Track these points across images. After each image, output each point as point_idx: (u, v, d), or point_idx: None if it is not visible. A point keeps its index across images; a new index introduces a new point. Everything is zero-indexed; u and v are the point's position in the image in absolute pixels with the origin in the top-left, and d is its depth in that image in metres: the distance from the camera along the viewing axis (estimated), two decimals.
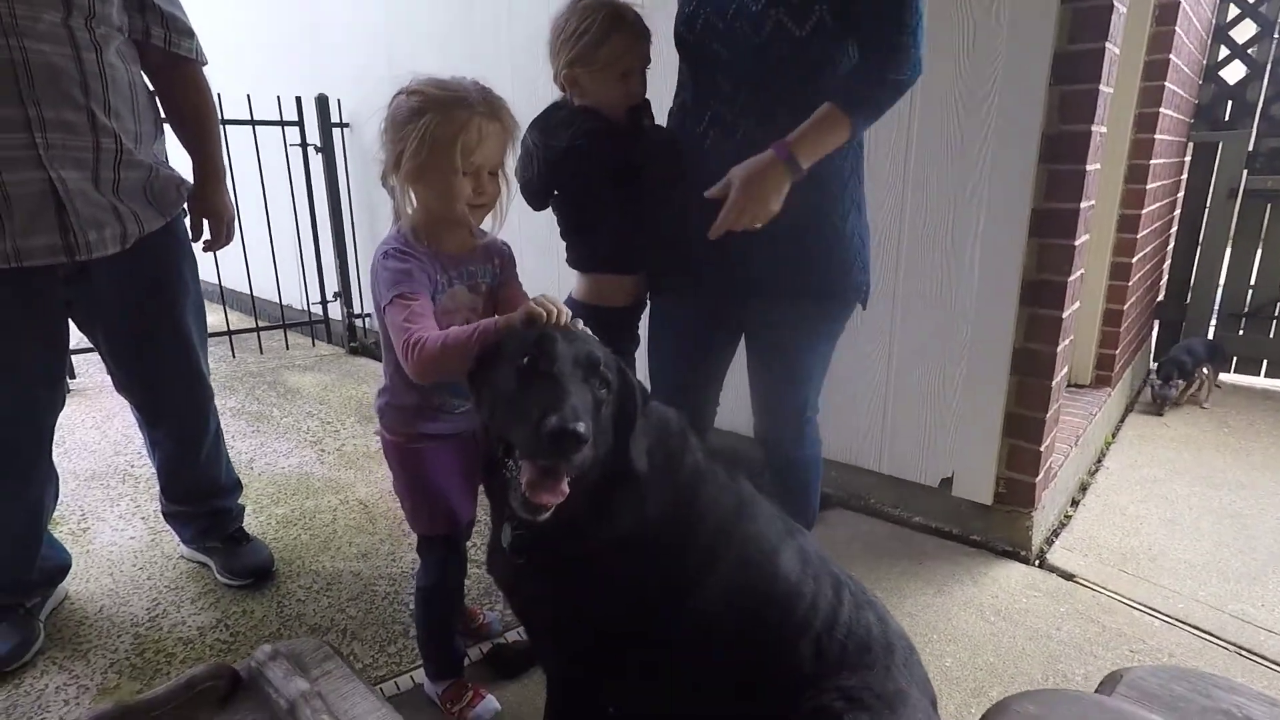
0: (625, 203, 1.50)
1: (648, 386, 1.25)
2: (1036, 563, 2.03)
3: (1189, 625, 1.76)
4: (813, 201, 1.39)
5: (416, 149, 1.15)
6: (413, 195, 1.23)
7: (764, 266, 1.46)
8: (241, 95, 3.55)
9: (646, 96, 1.55)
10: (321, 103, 3.68)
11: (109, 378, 1.76)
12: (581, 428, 0.86)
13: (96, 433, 2.88)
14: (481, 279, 1.30)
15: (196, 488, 1.90)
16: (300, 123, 3.75)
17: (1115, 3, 1.67)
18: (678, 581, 1.06)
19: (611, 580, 1.06)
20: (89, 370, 3.55)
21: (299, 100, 3.72)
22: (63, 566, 1.76)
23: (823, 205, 1.42)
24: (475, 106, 1.18)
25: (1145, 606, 1.83)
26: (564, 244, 1.61)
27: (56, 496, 1.72)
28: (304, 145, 3.78)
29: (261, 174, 3.72)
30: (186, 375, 1.76)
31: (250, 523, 2.10)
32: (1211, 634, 1.72)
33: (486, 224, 1.32)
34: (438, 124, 1.15)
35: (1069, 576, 1.96)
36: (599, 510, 1.04)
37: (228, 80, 3.72)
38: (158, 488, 1.93)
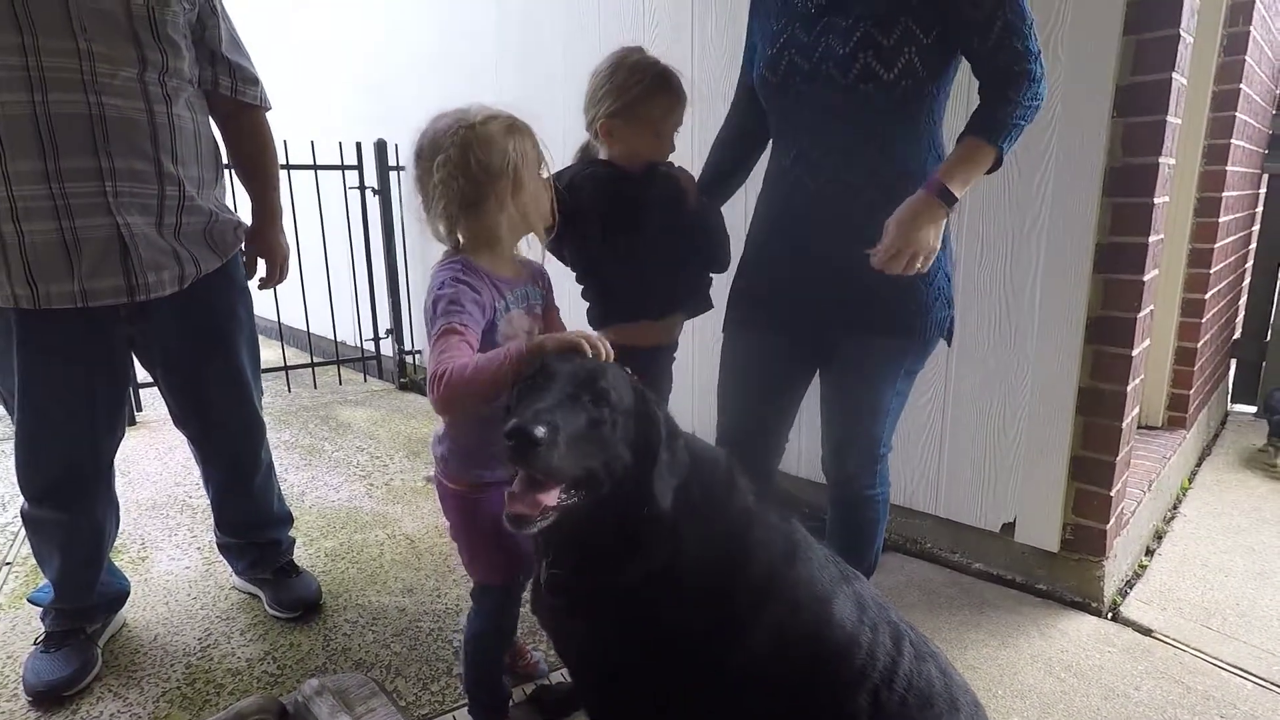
0: (630, 250, 1.53)
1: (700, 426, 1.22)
2: (1109, 615, 1.90)
3: None
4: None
5: (466, 177, 1.18)
6: (459, 227, 1.25)
7: (844, 300, 1.44)
8: (306, 142, 3.72)
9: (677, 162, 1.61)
10: (380, 148, 3.83)
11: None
12: (539, 431, 0.85)
13: (158, 464, 2.98)
14: (535, 301, 1.32)
15: (248, 520, 1.93)
16: (359, 167, 3.90)
17: (1182, 33, 1.62)
18: (725, 626, 1.01)
19: (654, 623, 1.03)
20: (154, 404, 3.69)
21: (359, 146, 3.88)
22: (122, 594, 1.81)
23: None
24: (521, 133, 1.23)
25: (1234, 667, 1.69)
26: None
27: (118, 525, 1.77)
28: (362, 188, 3.93)
29: (321, 216, 3.88)
30: (239, 410, 1.80)
31: (300, 554, 2.13)
32: None
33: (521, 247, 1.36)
34: (477, 156, 1.18)
35: (1146, 631, 1.83)
36: (628, 546, 1.01)
37: (295, 128, 3.93)
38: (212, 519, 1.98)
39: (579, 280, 1.65)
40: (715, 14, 2.33)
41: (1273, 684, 1.63)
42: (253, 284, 1.84)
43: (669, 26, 2.50)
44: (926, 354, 1.51)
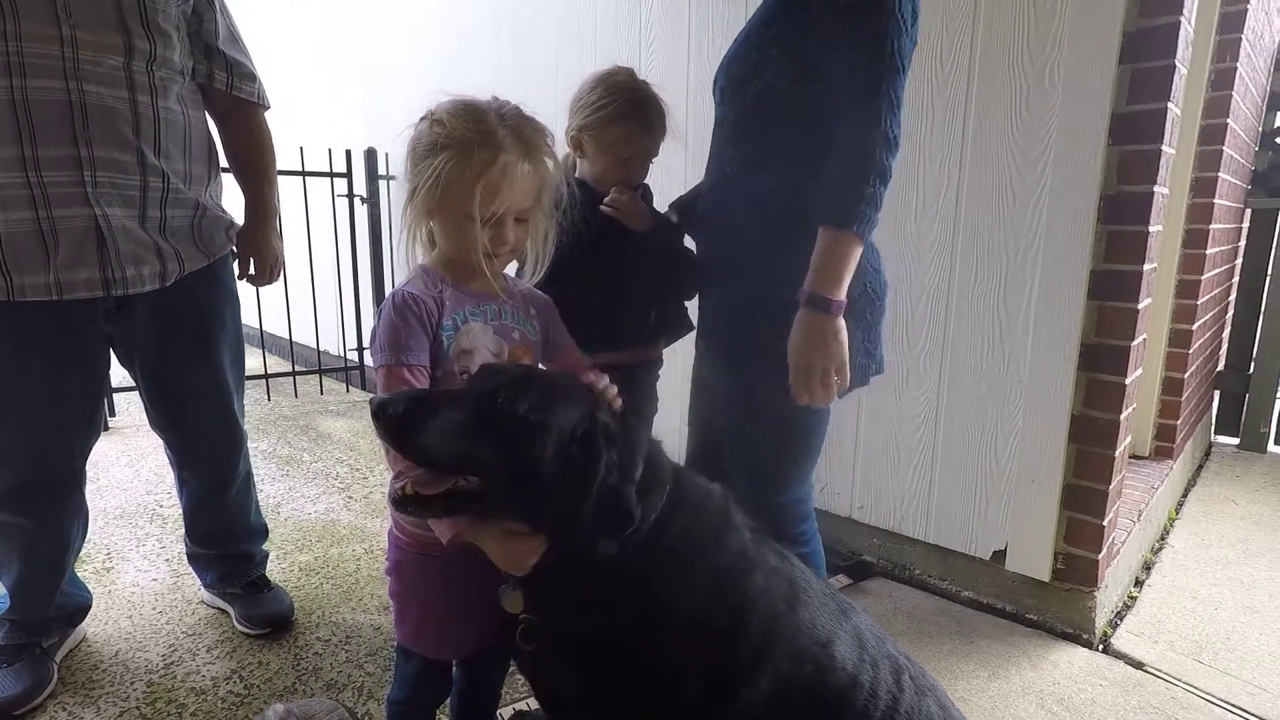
0: (600, 273, 1.47)
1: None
2: (1100, 648, 1.87)
3: None
4: (771, 261, 1.27)
5: (431, 189, 1.05)
6: (430, 230, 1.15)
7: (710, 315, 1.42)
8: (295, 147, 3.68)
9: (645, 181, 1.55)
10: (370, 156, 3.80)
11: (145, 416, 1.76)
12: (376, 403, 0.88)
13: (129, 470, 2.89)
14: (513, 324, 1.17)
15: (221, 530, 1.86)
16: (349, 174, 3.86)
17: (1178, 64, 1.63)
18: (724, 678, 0.95)
19: (650, 675, 0.97)
20: (129, 409, 3.60)
21: (348, 153, 3.84)
22: (83, 606, 1.73)
23: (780, 265, 1.25)
24: (502, 145, 1.05)
25: (1227, 703, 1.66)
26: None
27: (85, 533, 1.69)
28: (351, 196, 3.89)
29: (308, 223, 3.83)
30: (218, 415, 1.74)
31: (273, 568, 2.06)
32: None
33: (516, 270, 1.27)
34: (454, 165, 1.03)
35: (1138, 665, 1.80)
36: (593, 593, 0.97)
37: (282, 133, 3.89)
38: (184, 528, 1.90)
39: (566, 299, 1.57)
40: (711, 27, 2.33)
41: None
42: (240, 281, 1.79)
43: (664, 40, 2.50)
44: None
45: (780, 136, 1.27)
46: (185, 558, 1.96)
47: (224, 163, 1.74)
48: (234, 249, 1.73)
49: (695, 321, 1.65)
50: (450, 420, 0.90)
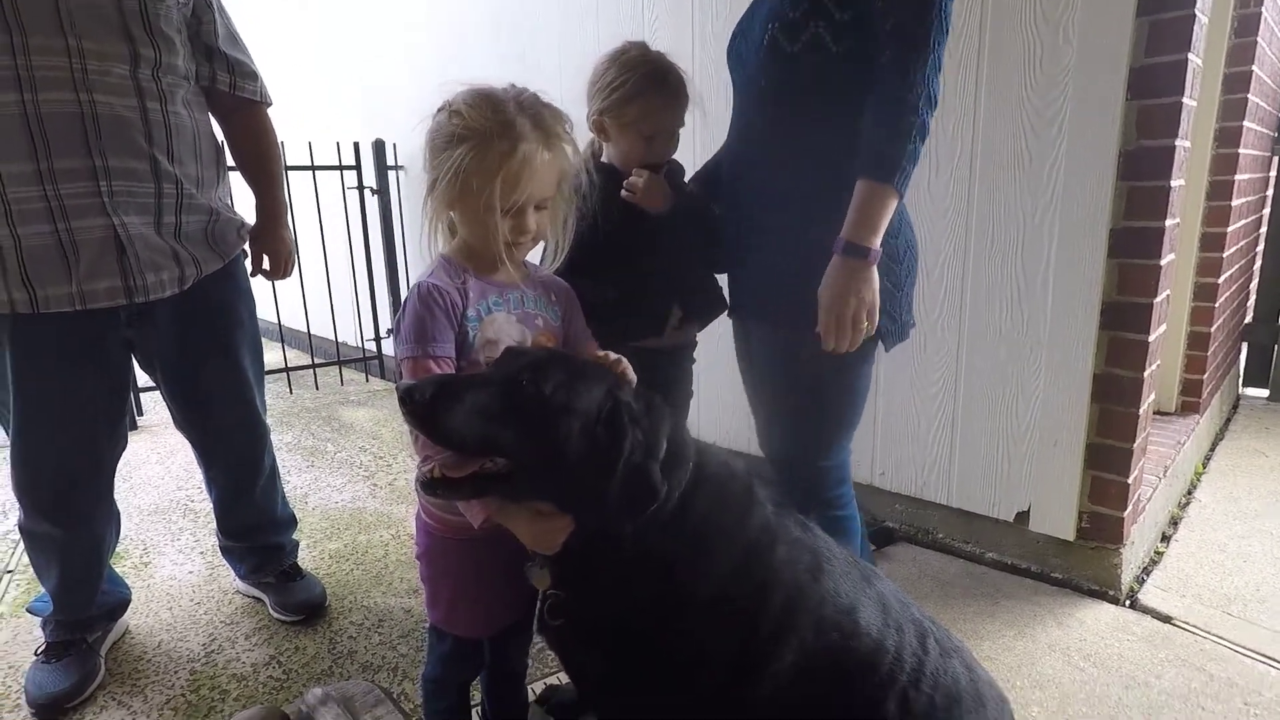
0: (629, 258, 1.45)
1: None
2: (1127, 603, 1.86)
3: None
4: (811, 224, 1.29)
5: (452, 181, 1.05)
6: (452, 220, 1.14)
7: (753, 286, 1.41)
8: (304, 142, 3.69)
9: (674, 157, 1.51)
10: (378, 147, 3.79)
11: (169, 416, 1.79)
12: (402, 389, 0.90)
13: (160, 468, 2.95)
14: (536, 311, 1.17)
15: (250, 524, 1.90)
16: (358, 167, 3.87)
17: (1197, 13, 1.58)
18: (751, 653, 0.97)
19: (677, 650, 0.98)
20: (155, 408, 3.66)
21: (356, 145, 3.85)
22: (123, 601, 1.78)
23: (823, 228, 1.26)
24: (522, 135, 1.05)
25: (1257, 653, 1.65)
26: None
27: (118, 533, 1.74)
28: (361, 188, 3.90)
29: (320, 217, 3.85)
30: (241, 413, 1.77)
31: (304, 557, 2.10)
32: None
33: (536, 258, 1.27)
34: (473, 157, 1.03)
35: (1166, 619, 1.79)
36: (618, 570, 0.99)
37: (291, 128, 3.89)
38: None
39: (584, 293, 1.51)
40: (715, 8, 2.29)
41: None
42: (255, 277, 1.81)
43: (668, 24, 2.46)
44: (858, 355, 1.31)
45: (826, 93, 1.27)
46: (218, 551, 2.01)
47: (229, 161, 1.75)
48: (245, 248, 1.74)
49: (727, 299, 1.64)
50: (476, 403, 0.91)
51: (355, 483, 2.78)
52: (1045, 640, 1.72)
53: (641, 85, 1.40)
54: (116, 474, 1.67)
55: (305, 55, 4.40)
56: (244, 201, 1.78)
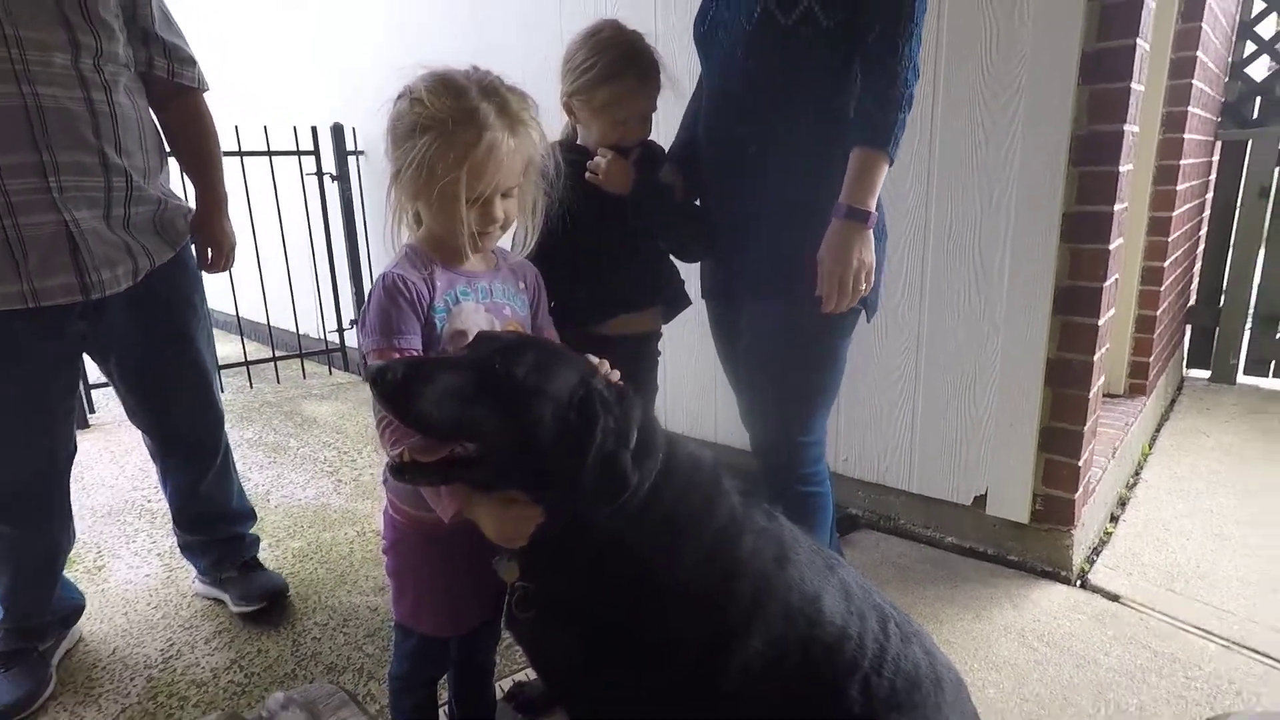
0: (598, 241, 1.44)
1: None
2: (1079, 583, 1.93)
3: (1247, 649, 1.65)
4: (805, 197, 1.35)
5: (416, 171, 1.03)
6: (417, 210, 1.12)
7: (748, 263, 1.44)
8: (259, 126, 3.58)
9: (650, 138, 1.50)
10: (337, 132, 3.70)
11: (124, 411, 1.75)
12: (372, 373, 0.89)
13: (114, 467, 2.87)
14: (504, 301, 1.16)
15: (209, 513, 1.87)
16: (316, 152, 3.77)
17: None
18: (716, 641, 0.98)
19: (646, 639, 0.99)
20: (108, 404, 3.55)
21: (315, 130, 3.74)
22: (77, 608, 1.74)
23: (817, 200, 1.34)
24: (486, 123, 1.03)
25: (1198, 629, 1.73)
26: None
27: (72, 537, 1.69)
28: (320, 174, 3.80)
29: (278, 204, 3.74)
30: (200, 399, 1.76)
31: (266, 556, 2.07)
32: (1272, 656, 1.62)
33: (509, 244, 1.26)
34: (437, 148, 1.01)
35: (1114, 598, 1.86)
36: (586, 558, 0.99)
37: (247, 113, 3.77)
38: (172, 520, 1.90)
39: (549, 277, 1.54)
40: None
41: (1234, 643, 1.67)
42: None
43: (630, 10, 2.43)
44: (841, 327, 1.43)
45: (816, 66, 1.32)
46: (177, 551, 1.97)
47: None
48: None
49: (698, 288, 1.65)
50: (448, 385, 0.91)
51: (319, 479, 2.73)
52: (1001, 622, 1.77)
53: (612, 68, 1.38)
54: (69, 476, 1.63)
55: (262, 37, 4.25)
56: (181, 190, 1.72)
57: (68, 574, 1.74)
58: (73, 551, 2.01)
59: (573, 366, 1.00)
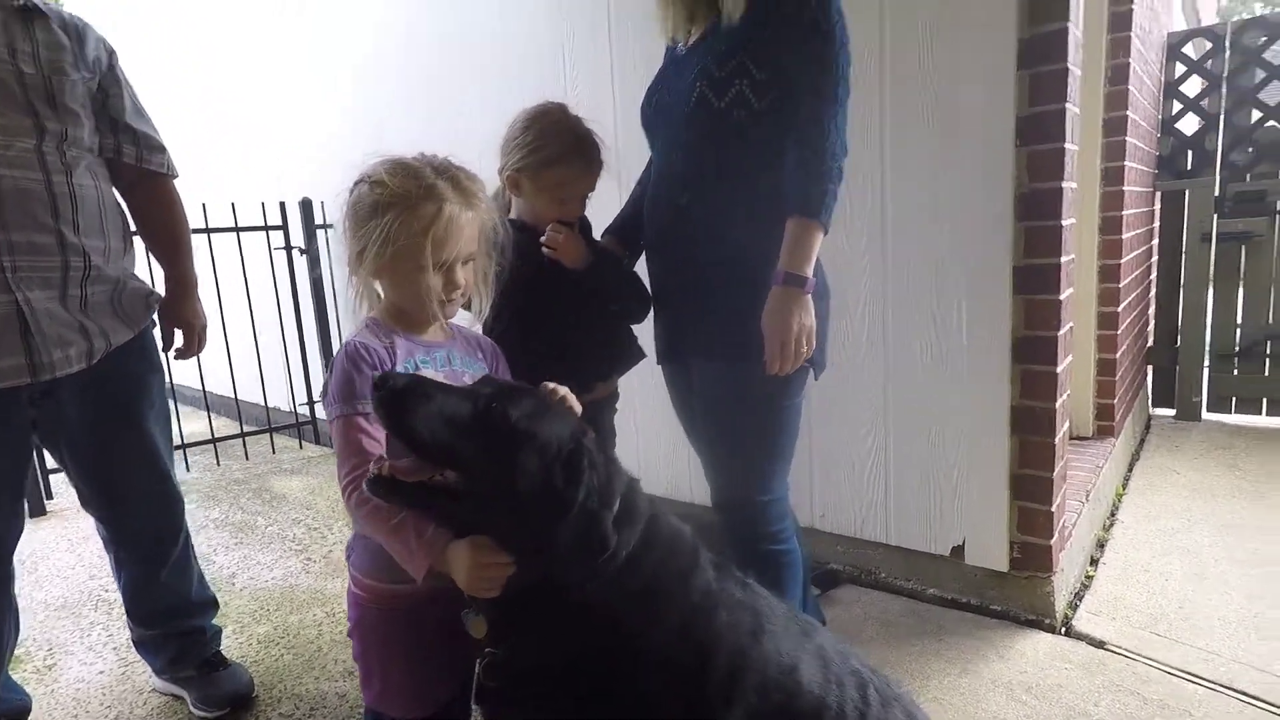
0: (552, 316, 1.47)
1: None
2: (1063, 630, 1.91)
3: (1235, 691, 1.64)
4: (746, 263, 1.40)
5: (381, 247, 1.08)
6: (379, 287, 1.17)
7: (694, 328, 1.48)
8: (226, 204, 3.61)
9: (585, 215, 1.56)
10: (305, 206, 3.74)
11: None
12: (386, 376, 0.92)
13: (71, 556, 2.74)
14: (463, 369, 1.19)
15: (166, 607, 1.78)
16: (284, 227, 3.80)
17: (1070, 66, 1.72)
18: (694, 718, 0.96)
19: (618, 715, 0.96)
20: (66, 490, 3.43)
21: (283, 205, 3.78)
22: (21, 710, 1.63)
23: (757, 266, 1.38)
24: (444, 196, 1.11)
25: (1185, 672, 1.71)
26: None
27: (17, 632, 1.60)
28: (288, 248, 3.82)
29: (246, 279, 3.74)
30: (153, 487, 1.70)
31: (230, 644, 1.98)
32: (1261, 699, 1.61)
33: (465, 318, 1.28)
34: (402, 222, 1.08)
35: (1099, 644, 1.85)
36: (559, 626, 0.97)
37: (214, 190, 3.81)
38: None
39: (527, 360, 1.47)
40: (635, 66, 2.37)
41: (1220, 685, 1.66)
42: (167, 353, 1.75)
43: (588, 81, 2.53)
44: (791, 385, 1.44)
45: (752, 143, 1.38)
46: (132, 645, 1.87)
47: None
48: (154, 319, 1.69)
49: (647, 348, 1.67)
50: (444, 408, 0.93)
51: (287, 558, 2.65)
52: (989, 675, 1.74)
53: (561, 151, 1.44)
54: (21, 566, 1.56)
55: (230, 114, 4.33)
56: (147, 273, 1.72)
57: (14, 674, 1.65)
58: (21, 649, 1.92)
59: (566, 423, 1.02)
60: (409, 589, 1.09)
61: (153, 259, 1.78)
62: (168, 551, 1.75)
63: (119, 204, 1.62)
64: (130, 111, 1.58)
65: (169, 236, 1.72)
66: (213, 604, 1.89)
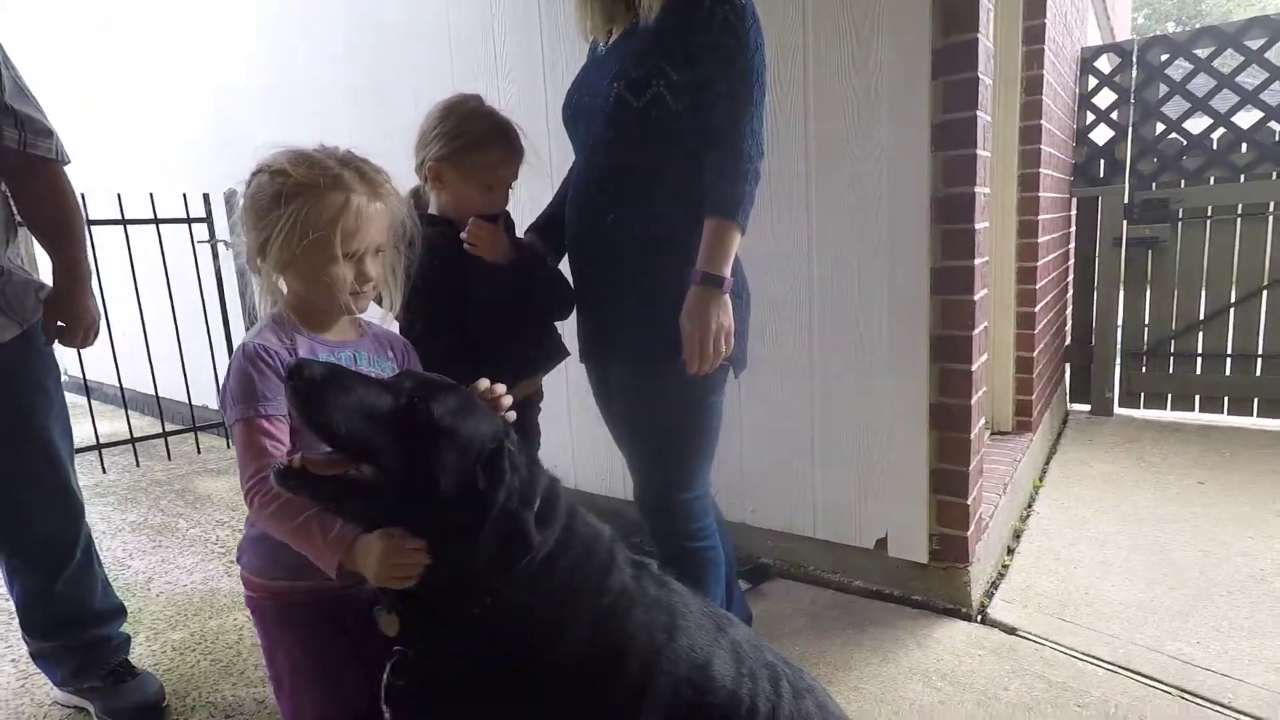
0: (472, 312, 1.45)
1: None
2: (978, 619, 2.00)
3: (1130, 671, 1.74)
4: (664, 262, 1.41)
5: (287, 238, 1.04)
6: (283, 282, 1.12)
7: (613, 327, 1.49)
8: (144, 194, 3.44)
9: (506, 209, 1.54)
10: (230, 198, 3.59)
11: None
12: (302, 365, 0.88)
13: None
14: (370, 368, 1.15)
15: (66, 616, 1.69)
16: (208, 219, 3.65)
17: (980, 75, 1.79)
18: (607, 717, 0.96)
19: (527, 716, 0.96)
20: None
21: (206, 197, 3.63)
22: None
23: (675, 265, 1.38)
24: (351, 186, 1.07)
25: (1087, 655, 1.81)
26: None
27: None
28: (213, 241, 3.67)
29: (167, 272, 3.58)
30: (51, 491, 1.61)
31: (142, 652, 1.90)
32: (1154, 678, 1.71)
33: (376, 312, 1.25)
34: (309, 211, 1.04)
35: (1011, 630, 1.93)
36: (472, 626, 0.96)
37: (131, 180, 3.63)
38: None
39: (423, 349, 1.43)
40: (566, 62, 2.36)
41: (1118, 666, 1.76)
42: (51, 345, 1.63)
43: (521, 76, 2.51)
44: (709, 383, 1.44)
45: (670, 143, 1.39)
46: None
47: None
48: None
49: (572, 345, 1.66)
50: (363, 401, 0.90)
51: (209, 561, 2.55)
52: (907, 664, 1.80)
53: (484, 135, 1.43)
54: None
55: (147, 102, 4.12)
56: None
57: None
58: None
59: (490, 422, 1.00)
60: (307, 585, 1.07)
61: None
62: (66, 557, 1.66)
63: (3, 192, 1.52)
64: (11, 92, 1.47)
65: (57, 226, 1.60)
66: (119, 611, 1.81)
